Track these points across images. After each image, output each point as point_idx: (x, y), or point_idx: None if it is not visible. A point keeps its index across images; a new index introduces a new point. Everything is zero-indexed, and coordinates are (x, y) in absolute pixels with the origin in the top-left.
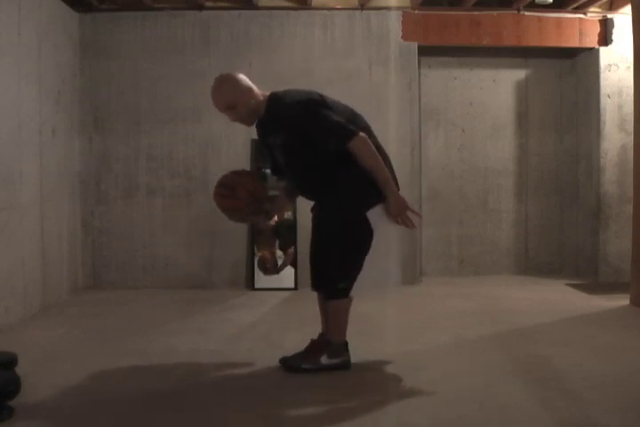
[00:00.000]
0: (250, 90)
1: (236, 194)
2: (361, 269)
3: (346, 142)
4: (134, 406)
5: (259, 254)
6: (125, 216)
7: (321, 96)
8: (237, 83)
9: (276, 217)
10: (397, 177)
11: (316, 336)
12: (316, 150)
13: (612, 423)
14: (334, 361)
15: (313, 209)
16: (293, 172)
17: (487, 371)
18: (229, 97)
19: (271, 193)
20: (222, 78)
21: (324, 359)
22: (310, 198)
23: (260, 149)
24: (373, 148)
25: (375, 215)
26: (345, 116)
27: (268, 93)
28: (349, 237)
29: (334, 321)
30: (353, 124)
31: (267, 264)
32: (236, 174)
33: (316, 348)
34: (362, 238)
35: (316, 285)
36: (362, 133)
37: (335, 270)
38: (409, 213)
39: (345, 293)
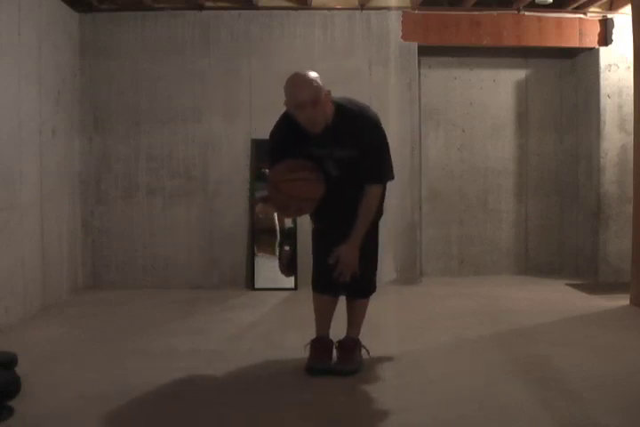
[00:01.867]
0: (328, 93)
1: (318, 182)
2: None
3: (374, 183)
4: (134, 406)
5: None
6: (125, 216)
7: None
8: (320, 80)
9: (276, 221)
10: (397, 177)
11: (314, 336)
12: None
13: (612, 423)
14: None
15: (327, 216)
16: (339, 182)
17: (487, 371)
18: (317, 92)
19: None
20: (309, 73)
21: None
22: (337, 204)
23: (276, 150)
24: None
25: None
26: None
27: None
28: (376, 239)
29: (362, 318)
30: None
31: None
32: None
33: (348, 347)
34: (378, 239)
35: (366, 287)
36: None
37: (374, 272)
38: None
39: (371, 293)
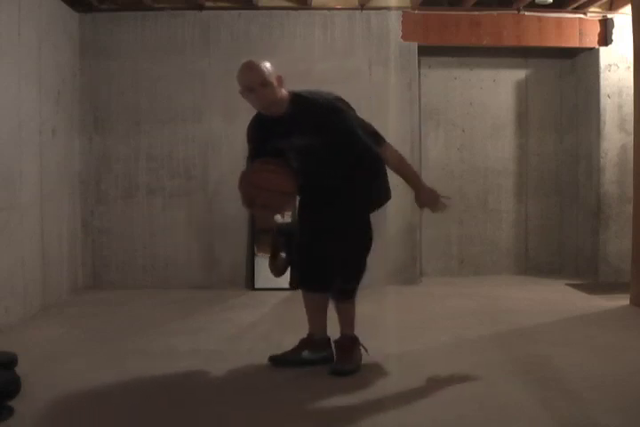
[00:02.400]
0: (280, 78)
1: (287, 176)
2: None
3: (381, 146)
4: (134, 406)
5: (264, 255)
6: (125, 216)
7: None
8: (271, 67)
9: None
10: (397, 177)
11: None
12: (342, 152)
13: (612, 423)
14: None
15: (310, 211)
16: (311, 170)
17: (487, 371)
18: (268, 74)
19: None
20: (256, 60)
21: (357, 354)
22: (318, 198)
23: (251, 150)
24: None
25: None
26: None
27: (287, 92)
28: (365, 239)
29: (351, 317)
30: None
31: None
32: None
33: (346, 348)
34: (370, 239)
35: (327, 286)
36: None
37: (355, 273)
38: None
39: (355, 294)
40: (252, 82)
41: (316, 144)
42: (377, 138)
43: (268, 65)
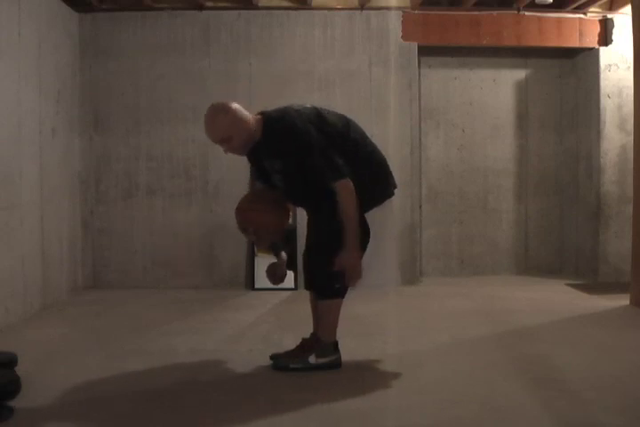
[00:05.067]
0: (243, 120)
1: (273, 214)
2: None
3: (332, 183)
4: (134, 406)
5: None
6: (125, 216)
7: (317, 115)
8: (231, 114)
9: None
10: (397, 177)
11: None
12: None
13: (612, 423)
14: (322, 361)
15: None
16: (290, 189)
17: (487, 371)
18: (224, 129)
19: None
20: (215, 109)
21: (312, 359)
22: (303, 206)
23: (250, 168)
24: (354, 196)
25: (375, 216)
26: (339, 128)
27: (260, 116)
28: (329, 241)
29: (325, 321)
30: (346, 141)
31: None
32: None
33: (305, 347)
34: (337, 242)
35: (311, 284)
36: (347, 179)
37: (331, 270)
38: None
39: (340, 293)
40: (214, 141)
41: (284, 167)
42: (333, 172)
43: (225, 115)
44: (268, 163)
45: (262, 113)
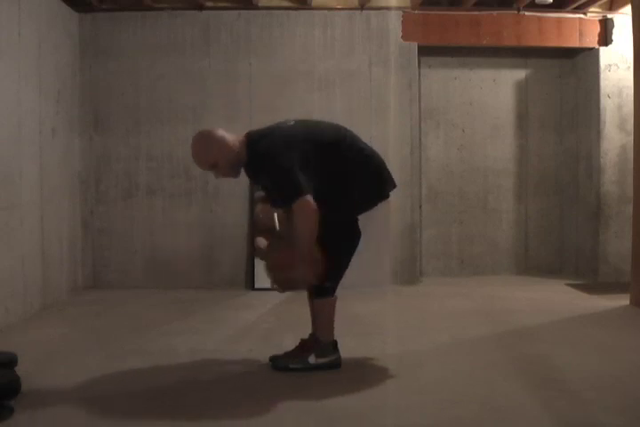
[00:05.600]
0: (227, 145)
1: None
2: (346, 269)
3: (291, 203)
4: (134, 406)
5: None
6: (125, 216)
7: (304, 132)
8: (215, 140)
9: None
10: (397, 177)
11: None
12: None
13: (612, 423)
14: (322, 361)
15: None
16: (280, 203)
17: (487, 371)
18: (210, 156)
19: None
20: (200, 137)
21: (311, 359)
22: None
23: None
24: (312, 215)
25: (367, 217)
26: (331, 138)
27: (244, 137)
28: (336, 238)
29: (320, 320)
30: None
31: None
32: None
33: (304, 347)
34: (348, 239)
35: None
36: (307, 197)
37: (327, 270)
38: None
39: (330, 292)
40: (202, 168)
41: (269, 184)
42: (292, 191)
43: (210, 142)
44: (258, 181)
45: (247, 134)
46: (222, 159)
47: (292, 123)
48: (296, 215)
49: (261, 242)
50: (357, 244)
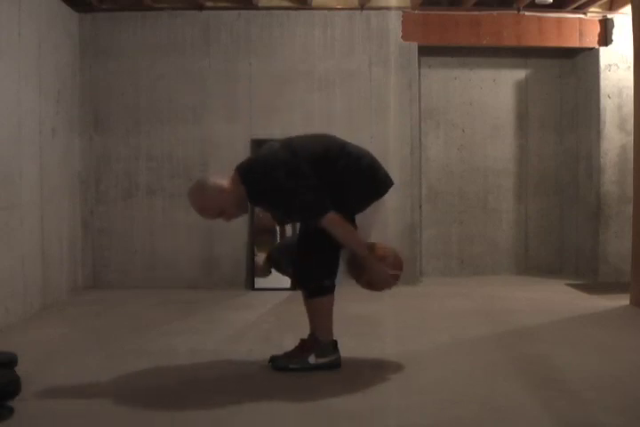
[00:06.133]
0: (225, 189)
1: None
2: (338, 266)
3: (317, 222)
4: (134, 406)
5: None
6: (125, 216)
7: (290, 151)
8: (211, 190)
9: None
10: (397, 177)
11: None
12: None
13: (612, 423)
14: (322, 361)
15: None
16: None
17: (487, 371)
18: (214, 206)
19: None
20: (196, 192)
21: (311, 359)
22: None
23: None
24: (343, 222)
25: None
26: (318, 152)
27: (235, 173)
28: (314, 241)
29: (319, 320)
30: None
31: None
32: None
33: (304, 347)
34: (321, 243)
35: (299, 283)
36: (331, 213)
37: (320, 268)
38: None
39: (330, 290)
40: (210, 218)
41: (274, 209)
42: (312, 211)
43: (206, 194)
44: (261, 207)
45: (237, 168)
46: (226, 204)
47: (276, 145)
48: (333, 230)
49: (262, 259)
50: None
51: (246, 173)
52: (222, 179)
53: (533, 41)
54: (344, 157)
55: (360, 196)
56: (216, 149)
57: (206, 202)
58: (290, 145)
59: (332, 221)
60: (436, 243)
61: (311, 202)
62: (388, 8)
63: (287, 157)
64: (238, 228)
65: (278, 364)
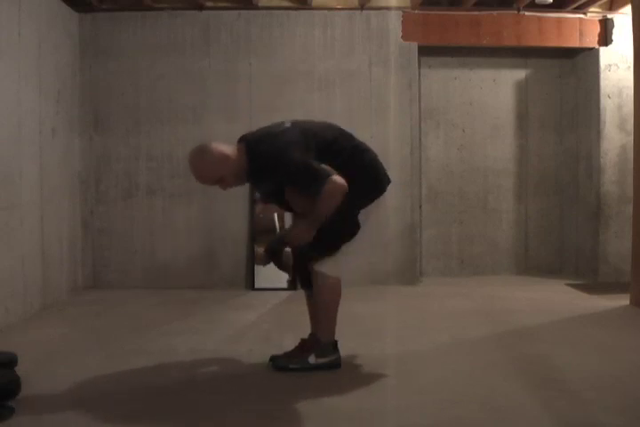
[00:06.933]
0: (227, 157)
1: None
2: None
3: (320, 192)
4: (134, 406)
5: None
6: (125, 216)
7: (300, 132)
8: (214, 155)
9: (276, 221)
10: (397, 177)
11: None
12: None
13: (612, 423)
14: (322, 361)
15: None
16: (288, 202)
17: (487, 371)
18: (214, 172)
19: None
20: (195, 156)
21: (311, 359)
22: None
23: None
24: (343, 190)
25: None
26: (328, 138)
27: (241, 143)
28: (337, 230)
29: (323, 320)
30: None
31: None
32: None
33: (305, 347)
34: (348, 231)
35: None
36: (334, 177)
37: (322, 245)
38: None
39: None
40: (206, 183)
41: (276, 186)
42: (316, 180)
43: (209, 157)
44: (262, 185)
45: (243, 138)
46: (226, 172)
47: (288, 125)
48: (327, 194)
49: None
50: (356, 233)
51: (254, 144)
52: (225, 146)
53: (533, 41)
54: (350, 148)
55: (363, 188)
56: None
57: (207, 167)
58: (301, 127)
59: (335, 184)
60: (436, 243)
61: (316, 172)
62: (387, 8)
63: (297, 136)
64: (238, 228)
65: (278, 364)
